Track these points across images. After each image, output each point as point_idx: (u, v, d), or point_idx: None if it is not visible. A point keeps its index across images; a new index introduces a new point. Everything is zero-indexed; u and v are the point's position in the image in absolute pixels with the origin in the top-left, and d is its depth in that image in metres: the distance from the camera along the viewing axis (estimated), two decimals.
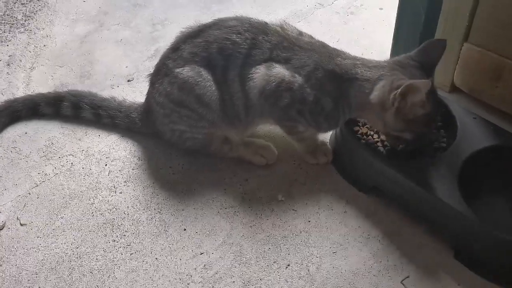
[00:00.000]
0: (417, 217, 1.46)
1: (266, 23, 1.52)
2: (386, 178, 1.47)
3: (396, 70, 1.40)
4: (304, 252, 1.43)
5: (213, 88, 1.48)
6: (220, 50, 1.48)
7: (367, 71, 1.41)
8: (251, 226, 1.50)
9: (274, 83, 1.45)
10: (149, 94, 1.63)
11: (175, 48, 1.55)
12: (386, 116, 1.39)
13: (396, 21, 1.78)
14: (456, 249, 1.40)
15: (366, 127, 1.60)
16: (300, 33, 1.53)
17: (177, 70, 1.50)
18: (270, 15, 2.18)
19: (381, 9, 2.25)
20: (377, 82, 1.39)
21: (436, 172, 1.41)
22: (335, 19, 2.21)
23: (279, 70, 1.45)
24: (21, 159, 1.69)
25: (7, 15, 2.25)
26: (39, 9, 2.29)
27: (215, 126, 1.55)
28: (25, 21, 2.23)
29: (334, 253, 1.43)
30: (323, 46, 1.51)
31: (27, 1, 2.33)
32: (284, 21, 1.55)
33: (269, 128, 1.71)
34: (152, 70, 1.64)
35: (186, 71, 1.49)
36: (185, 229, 1.49)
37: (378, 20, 2.19)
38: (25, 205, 1.56)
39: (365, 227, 1.48)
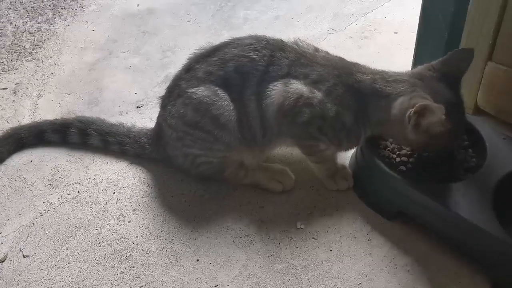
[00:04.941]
0: (449, 245, 1.36)
1: (282, 40, 1.49)
2: (413, 201, 1.37)
3: (416, 85, 1.35)
4: (327, 283, 1.33)
5: (231, 108, 1.42)
6: (237, 68, 1.42)
7: (387, 86, 1.38)
8: (268, 256, 1.40)
9: (292, 99, 1.39)
10: (160, 117, 1.57)
11: (188, 69, 1.50)
12: (406, 133, 1.34)
13: (416, 40, 1.71)
14: (493, 280, 1.29)
15: (388, 149, 1.51)
16: (316, 49, 1.50)
17: (192, 90, 1.44)
18: None
19: (396, 33, 2.19)
20: (396, 98, 1.35)
21: (469, 195, 1.31)
22: (349, 43, 2.16)
23: (297, 86, 1.39)
24: (25, 187, 1.61)
25: (15, 44, 2.22)
26: (47, 38, 2.26)
27: (232, 149, 1.47)
28: (33, 50, 2.19)
29: (360, 285, 1.32)
30: (341, 60, 1.47)
31: (35, 30, 2.30)
32: (298, 38, 1.51)
33: (285, 152, 1.64)
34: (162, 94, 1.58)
35: (201, 91, 1.43)
36: (198, 260, 1.40)
37: (394, 44, 2.13)
38: (28, 236, 1.47)
39: (392, 256, 1.38)
